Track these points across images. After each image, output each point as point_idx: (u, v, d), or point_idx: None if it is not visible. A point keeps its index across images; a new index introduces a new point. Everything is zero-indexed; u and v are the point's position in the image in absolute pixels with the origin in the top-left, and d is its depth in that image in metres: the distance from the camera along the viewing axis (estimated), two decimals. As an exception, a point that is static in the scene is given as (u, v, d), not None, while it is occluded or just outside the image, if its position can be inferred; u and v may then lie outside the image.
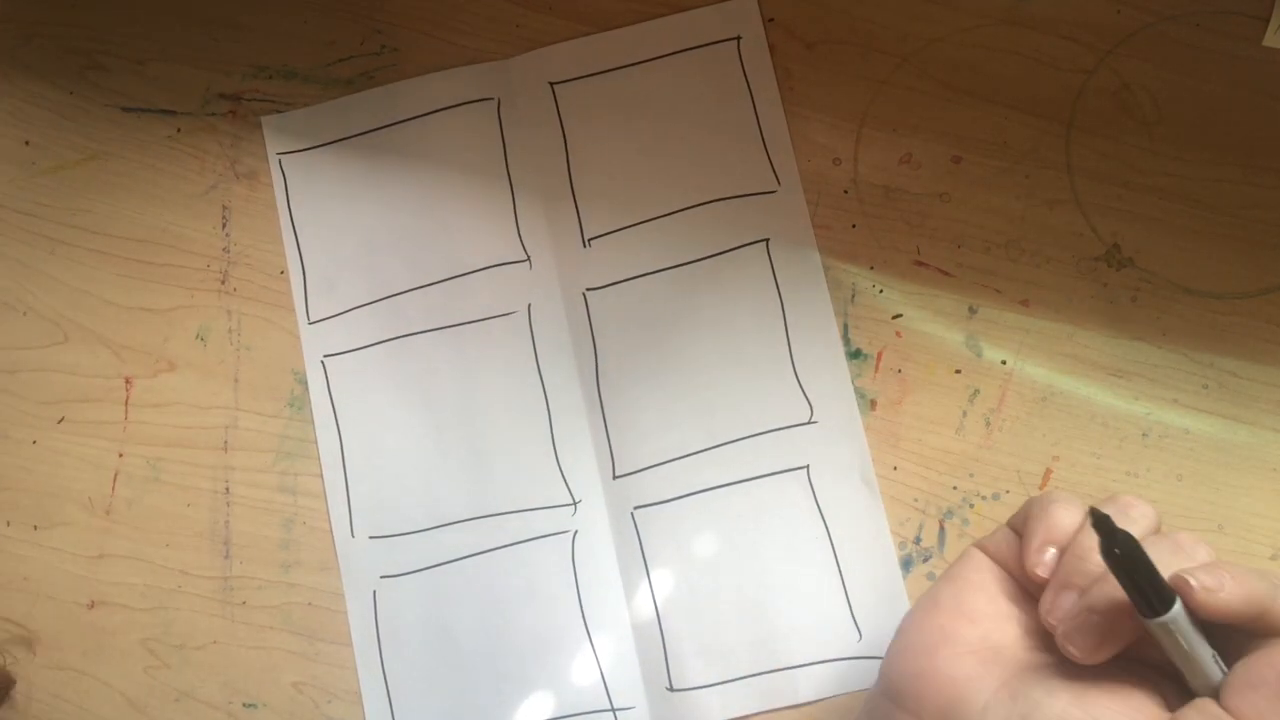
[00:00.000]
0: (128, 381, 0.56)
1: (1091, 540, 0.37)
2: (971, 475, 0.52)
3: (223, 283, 0.56)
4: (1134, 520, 0.39)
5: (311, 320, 0.55)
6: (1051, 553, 0.39)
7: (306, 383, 0.55)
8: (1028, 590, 0.41)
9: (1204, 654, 0.35)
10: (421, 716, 0.53)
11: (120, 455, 0.56)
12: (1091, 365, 0.52)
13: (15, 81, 0.58)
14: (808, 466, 0.52)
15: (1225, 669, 0.36)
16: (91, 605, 0.55)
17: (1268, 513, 0.50)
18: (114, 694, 0.54)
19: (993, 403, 0.52)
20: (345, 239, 0.56)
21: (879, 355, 0.53)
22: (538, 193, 0.55)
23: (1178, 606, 0.35)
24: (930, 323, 0.53)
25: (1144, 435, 0.51)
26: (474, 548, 0.53)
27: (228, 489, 0.55)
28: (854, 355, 0.53)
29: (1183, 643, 0.35)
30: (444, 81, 0.56)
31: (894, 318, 0.53)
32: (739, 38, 0.55)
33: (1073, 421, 0.51)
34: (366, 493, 0.54)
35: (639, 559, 0.53)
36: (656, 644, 0.52)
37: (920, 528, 0.52)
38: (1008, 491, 0.51)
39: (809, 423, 0.53)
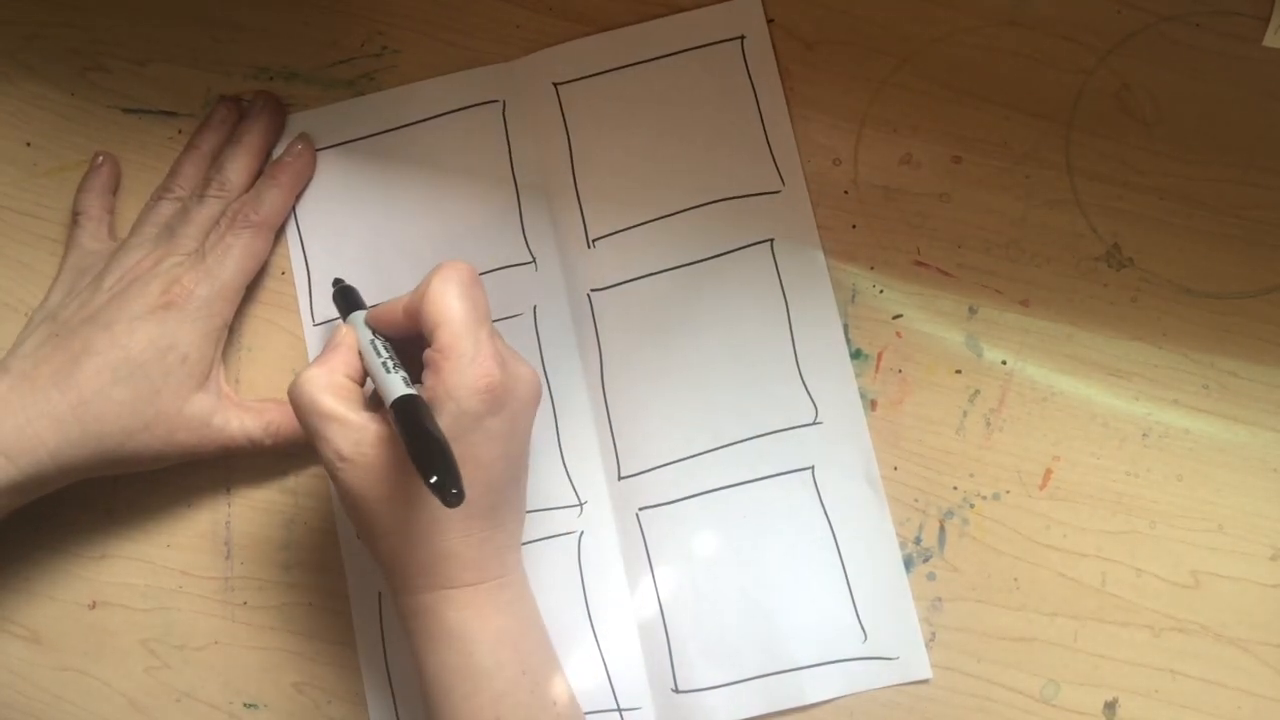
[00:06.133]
0: (129, 382, 0.56)
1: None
2: (972, 475, 0.52)
3: (224, 283, 0.56)
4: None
5: (316, 322, 0.55)
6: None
7: (309, 383, 0.55)
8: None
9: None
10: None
11: (121, 456, 0.55)
12: (1091, 365, 0.52)
13: (16, 83, 0.58)
14: (813, 467, 0.52)
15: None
16: (93, 605, 0.55)
17: (1268, 513, 0.50)
18: (115, 694, 0.54)
19: (993, 403, 0.52)
20: (350, 241, 0.56)
21: (879, 355, 0.53)
22: (542, 194, 0.55)
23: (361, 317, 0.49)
24: (930, 323, 0.53)
25: (1144, 435, 0.51)
26: (479, 549, 0.53)
27: (229, 489, 0.55)
28: (854, 355, 0.53)
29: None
30: (450, 85, 0.56)
31: (894, 318, 0.53)
32: (743, 37, 0.55)
33: (1073, 422, 0.52)
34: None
35: (644, 560, 0.53)
36: (662, 645, 0.52)
37: (921, 528, 0.52)
38: (1008, 491, 0.51)
39: (814, 423, 0.53)
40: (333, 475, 0.45)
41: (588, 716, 0.51)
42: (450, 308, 0.45)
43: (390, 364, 0.46)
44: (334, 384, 0.46)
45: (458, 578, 0.46)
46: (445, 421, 0.44)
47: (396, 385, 0.45)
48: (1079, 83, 0.53)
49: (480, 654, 0.46)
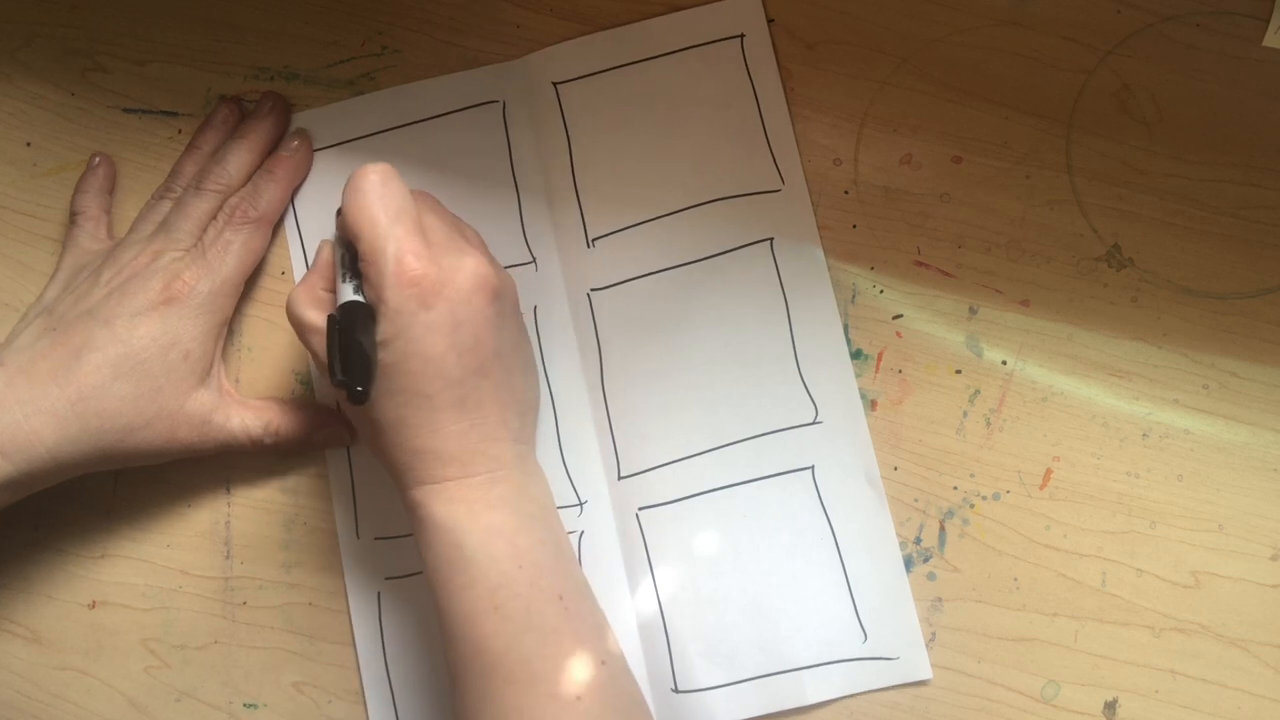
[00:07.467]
0: (129, 382, 0.56)
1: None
2: (972, 475, 0.52)
3: (224, 283, 0.56)
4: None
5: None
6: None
7: (309, 384, 0.55)
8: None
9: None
10: (426, 718, 0.53)
11: (121, 455, 0.55)
12: (1092, 365, 0.52)
13: (16, 83, 0.58)
14: (813, 467, 0.52)
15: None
16: (92, 605, 0.55)
17: (1268, 513, 0.50)
18: (115, 694, 0.54)
19: (993, 403, 0.52)
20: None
21: (879, 355, 0.53)
22: (542, 194, 0.55)
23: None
24: (931, 323, 0.53)
25: (1144, 435, 0.51)
26: (479, 549, 0.53)
27: (229, 489, 0.55)
28: (855, 355, 0.53)
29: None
30: (450, 85, 0.56)
31: (894, 318, 0.53)
32: (742, 35, 0.55)
33: (1073, 422, 0.52)
34: (372, 494, 0.54)
35: (644, 560, 0.53)
36: (662, 645, 0.52)
37: (921, 528, 0.52)
38: (1008, 491, 0.51)
39: (814, 423, 0.53)
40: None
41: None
42: (361, 217, 0.46)
43: (346, 275, 0.47)
44: (313, 298, 0.48)
45: (439, 473, 0.47)
46: (384, 323, 0.45)
47: (344, 293, 0.47)
48: (1079, 83, 0.53)
49: (471, 546, 0.46)
